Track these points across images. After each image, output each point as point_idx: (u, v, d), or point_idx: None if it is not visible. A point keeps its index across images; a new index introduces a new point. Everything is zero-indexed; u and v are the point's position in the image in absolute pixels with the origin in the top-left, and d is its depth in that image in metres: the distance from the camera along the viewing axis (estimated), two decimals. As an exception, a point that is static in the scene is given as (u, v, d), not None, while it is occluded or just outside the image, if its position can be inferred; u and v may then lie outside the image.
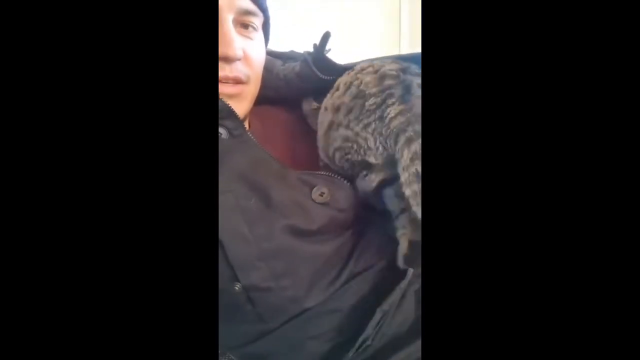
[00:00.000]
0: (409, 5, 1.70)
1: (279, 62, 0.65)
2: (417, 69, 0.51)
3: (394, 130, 0.46)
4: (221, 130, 0.51)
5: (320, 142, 0.56)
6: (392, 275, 0.50)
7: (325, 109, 0.55)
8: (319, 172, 0.54)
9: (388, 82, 0.48)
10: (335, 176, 0.53)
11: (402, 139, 0.45)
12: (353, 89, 0.51)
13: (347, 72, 0.55)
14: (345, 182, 0.53)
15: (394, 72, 0.49)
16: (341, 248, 0.51)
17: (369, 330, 0.47)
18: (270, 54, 0.64)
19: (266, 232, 0.47)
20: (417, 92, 0.47)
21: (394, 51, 1.68)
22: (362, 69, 0.53)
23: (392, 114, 0.46)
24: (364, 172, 0.51)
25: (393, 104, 0.47)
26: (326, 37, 0.58)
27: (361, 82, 0.51)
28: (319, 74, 0.59)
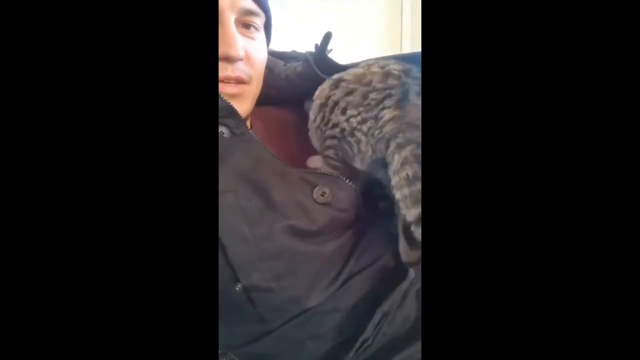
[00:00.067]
0: (410, 5, 1.69)
1: (280, 62, 0.65)
2: (418, 72, 0.51)
3: (386, 135, 0.47)
4: (223, 129, 0.51)
5: (312, 128, 0.56)
6: (392, 275, 0.50)
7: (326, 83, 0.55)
8: (321, 171, 0.54)
9: (391, 81, 0.49)
10: (337, 175, 0.53)
11: (392, 144, 0.46)
12: (359, 70, 0.51)
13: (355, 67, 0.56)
14: (347, 181, 0.53)
15: (397, 73, 0.50)
16: (342, 248, 0.51)
17: (369, 331, 0.47)
18: (271, 54, 0.64)
19: (267, 232, 0.47)
20: (414, 99, 0.48)
21: (396, 51, 1.68)
22: (370, 65, 0.53)
23: (386, 117, 0.47)
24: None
25: (390, 107, 0.47)
26: (328, 37, 0.58)
27: (369, 69, 0.51)
28: (320, 74, 0.59)
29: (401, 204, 0.44)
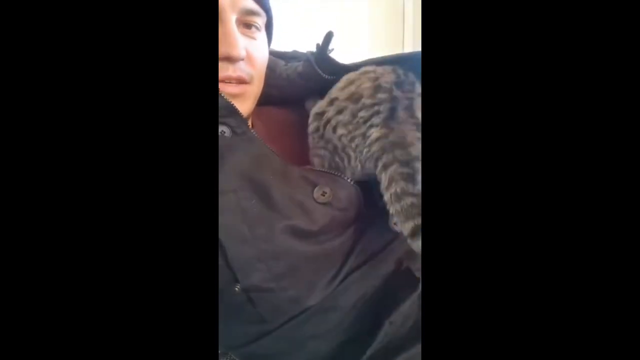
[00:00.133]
0: (412, 4, 1.69)
1: (281, 62, 0.65)
2: (412, 81, 0.52)
3: (374, 154, 0.49)
4: (224, 128, 0.51)
5: (309, 136, 0.57)
6: (397, 279, 0.50)
7: (325, 99, 0.55)
8: (322, 170, 0.54)
9: (380, 95, 0.50)
10: (338, 175, 0.53)
11: (380, 164, 0.48)
12: (352, 88, 0.52)
13: (353, 72, 0.56)
14: (348, 180, 0.53)
15: (387, 85, 0.51)
16: (342, 246, 0.51)
17: (377, 343, 0.47)
18: (273, 53, 0.64)
19: (267, 232, 0.47)
20: (403, 116, 0.49)
21: (397, 50, 1.68)
22: (366, 72, 0.54)
23: (373, 137, 0.49)
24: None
25: (377, 125, 0.49)
26: (329, 37, 0.58)
27: (360, 85, 0.52)
28: (321, 73, 0.59)
29: (396, 218, 0.46)
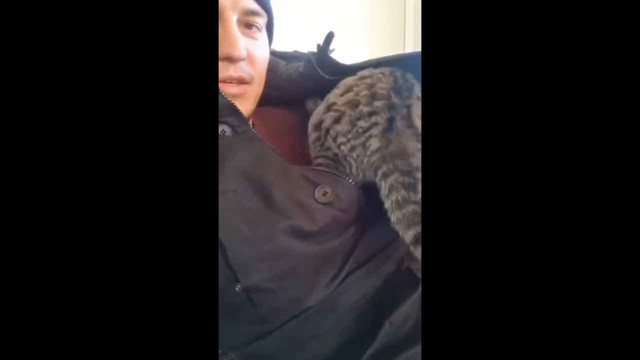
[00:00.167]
0: (413, 3, 1.69)
1: (282, 62, 0.65)
2: (413, 79, 0.52)
3: (373, 164, 0.49)
4: (225, 127, 0.51)
5: (309, 142, 0.57)
6: (397, 280, 0.50)
7: (322, 104, 0.56)
8: (323, 169, 0.54)
9: (377, 103, 0.50)
10: (340, 175, 0.53)
11: (379, 173, 0.49)
12: (350, 95, 0.53)
13: (352, 75, 0.56)
14: (349, 180, 0.52)
15: (384, 92, 0.51)
16: (342, 246, 0.51)
17: (377, 343, 0.48)
18: (274, 54, 0.64)
19: (267, 233, 0.47)
20: (401, 126, 0.49)
21: (399, 50, 1.68)
22: (363, 77, 0.54)
23: (373, 147, 0.50)
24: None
25: (376, 135, 0.50)
26: (330, 37, 0.58)
27: (358, 93, 0.52)
28: (322, 74, 0.59)
29: (397, 226, 0.47)
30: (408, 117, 0.50)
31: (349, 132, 0.51)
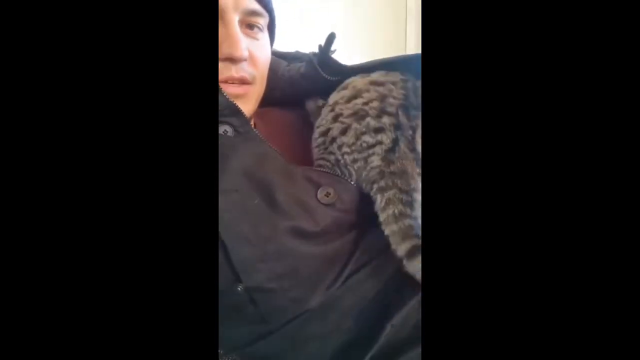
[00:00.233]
0: (415, 4, 1.69)
1: (284, 63, 0.65)
2: (417, 104, 0.53)
3: (371, 178, 0.50)
4: (227, 127, 0.51)
5: (313, 144, 0.57)
6: (394, 278, 0.50)
7: (328, 106, 0.56)
8: (325, 170, 0.54)
9: (385, 120, 0.51)
10: (342, 176, 0.53)
11: (375, 187, 0.50)
12: (358, 102, 0.53)
13: (361, 75, 0.56)
14: (351, 182, 0.52)
15: (393, 110, 0.51)
16: (344, 248, 0.51)
17: (378, 345, 0.47)
18: (275, 54, 0.64)
19: (269, 233, 0.47)
20: (404, 149, 0.50)
21: (400, 51, 1.68)
22: (374, 83, 0.54)
23: (374, 164, 0.50)
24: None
25: (378, 154, 0.50)
26: (331, 38, 0.58)
27: (367, 102, 0.52)
28: (324, 75, 0.58)
29: (391, 239, 0.47)
30: (412, 141, 0.51)
31: (353, 144, 0.52)
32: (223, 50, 0.50)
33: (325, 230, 0.49)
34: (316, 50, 0.60)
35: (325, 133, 0.55)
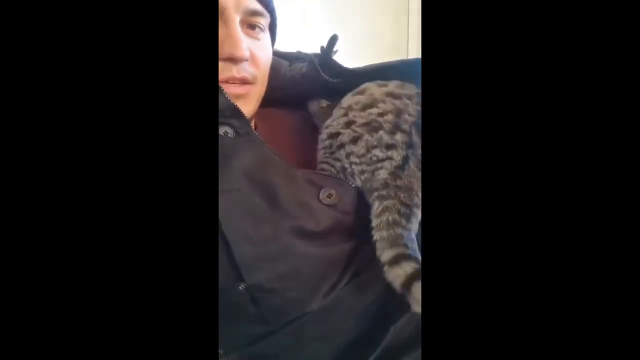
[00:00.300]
0: (416, 6, 1.69)
1: (285, 63, 0.65)
2: None
3: (375, 187, 0.50)
4: (227, 129, 0.51)
5: (319, 145, 0.57)
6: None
7: (341, 109, 0.55)
8: (326, 173, 0.54)
9: (398, 137, 0.50)
10: (343, 178, 0.53)
11: (376, 194, 0.50)
12: (373, 112, 0.52)
13: (378, 84, 0.56)
14: (352, 185, 0.53)
15: (407, 127, 0.51)
16: (346, 249, 0.51)
17: (381, 348, 0.47)
18: (277, 54, 0.64)
19: (272, 232, 0.47)
20: (413, 168, 0.50)
21: (402, 53, 1.68)
22: (391, 95, 0.53)
23: (380, 177, 0.50)
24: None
25: (387, 169, 0.50)
26: (333, 40, 0.58)
27: (383, 114, 0.52)
28: (325, 76, 0.58)
29: (378, 245, 0.47)
30: (421, 162, 0.51)
31: (363, 155, 0.51)
32: (224, 50, 0.50)
33: (327, 231, 0.50)
34: (318, 50, 0.60)
35: (334, 136, 0.54)
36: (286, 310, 0.47)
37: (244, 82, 0.53)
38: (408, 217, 0.48)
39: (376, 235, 0.48)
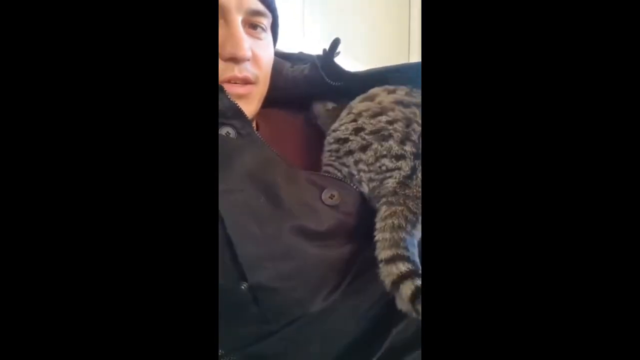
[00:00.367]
0: (418, 9, 1.70)
1: (287, 64, 0.65)
2: None
3: (384, 196, 0.50)
4: (229, 129, 0.51)
5: (325, 148, 0.57)
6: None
7: (350, 114, 0.55)
8: (328, 174, 0.54)
9: (407, 147, 0.50)
10: (345, 180, 0.53)
11: (384, 200, 0.50)
12: (382, 119, 0.52)
13: (386, 90, 0.56)
14: (354, 187, 0.53)
15: (415, 138, 0.51)
16: (348, 250, 0.51)
17: (383, 350, 0.47)
18: (278, 54, 0.64)
19: (275, 232, 0.47)
20: (420, 177, 0.50)
21: (403, 58, 1.68)
22: (401, 103, 0.53)
23: (389, 186, 0.50)
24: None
25: (395, 178, 0.50)
26: (336, 43, 0.58)
27: (393, 122, 0.52)
28: (327, 79, 0.59)
29: (378, 244, 0.47)
30: (421, 160, 0.51)
31: (371, 164, 0.51)
32: (226, 50, 0.50)
33: (330, 232, 0.49)
34: (320, 52, 0.60)
35: (342, 141, 0.54)
36: (287, 310, 0.47)
37: (245, 82, 0.53)
38: (413, 224, 0.48)
39: (378, 236, 0.47)
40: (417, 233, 0.48)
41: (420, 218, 0.48)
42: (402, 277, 0.44)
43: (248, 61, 0.52)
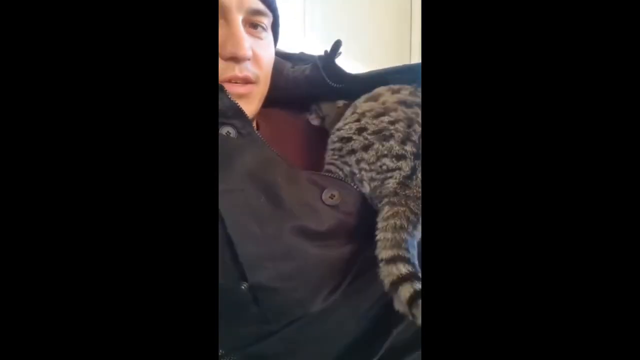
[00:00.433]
0: (419, 12, 1.70)
1: (288, 64, 0.65)
2: None
3: (384, 194, 0.51)
4: (229, 129, 0.51)
5: (329, 146, 0.57)
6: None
7: (355, 114, 0.55)
8: (329, 174, 0.54)
9: (408, 147, 0.51)
10: (345, 180, 0.53)
11: (385, 200, 0.50)
12: (384, 119, 0.52)
13: (391, 90, 0.56)
14: (354, 187, 0.53)
15: (415, 139, 0.51)
16: (349, 250, 0.51)
17: (383, 350, 0.47)
18: (279, 54, 0.64)
19: (275, 232, 0.47)
20: (419, 177, 0.50)
21: (405, 59, 1.68)
22: (404, 103, 0.53)
23: (390, 186, 0.50)
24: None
25: (396, 178, 0.51)
26: (337, 45, 0.58)
27: (394, 122, 0.52)
28: (328, 81, 0.59)
29: (379, 244, 0.48)
30: (421, 160, 0.51)
31: (373, 163, 0.52)
32: (227, 49, 0.50)
33: (330, 232, 0.49)
34: (321, 52, 0.60)
35: (345, 140, 0.54)
36: (288, 310, 0.47)
37: (246, 81, 0.53)
38: (415, 225, 0.48)
39: (380, 235, 0.48)
40: (418, 234, 0.48)
41: (420, 218, 0.48)
42: (402, 279, 0.44)
43: (248, 61, 0.52)
